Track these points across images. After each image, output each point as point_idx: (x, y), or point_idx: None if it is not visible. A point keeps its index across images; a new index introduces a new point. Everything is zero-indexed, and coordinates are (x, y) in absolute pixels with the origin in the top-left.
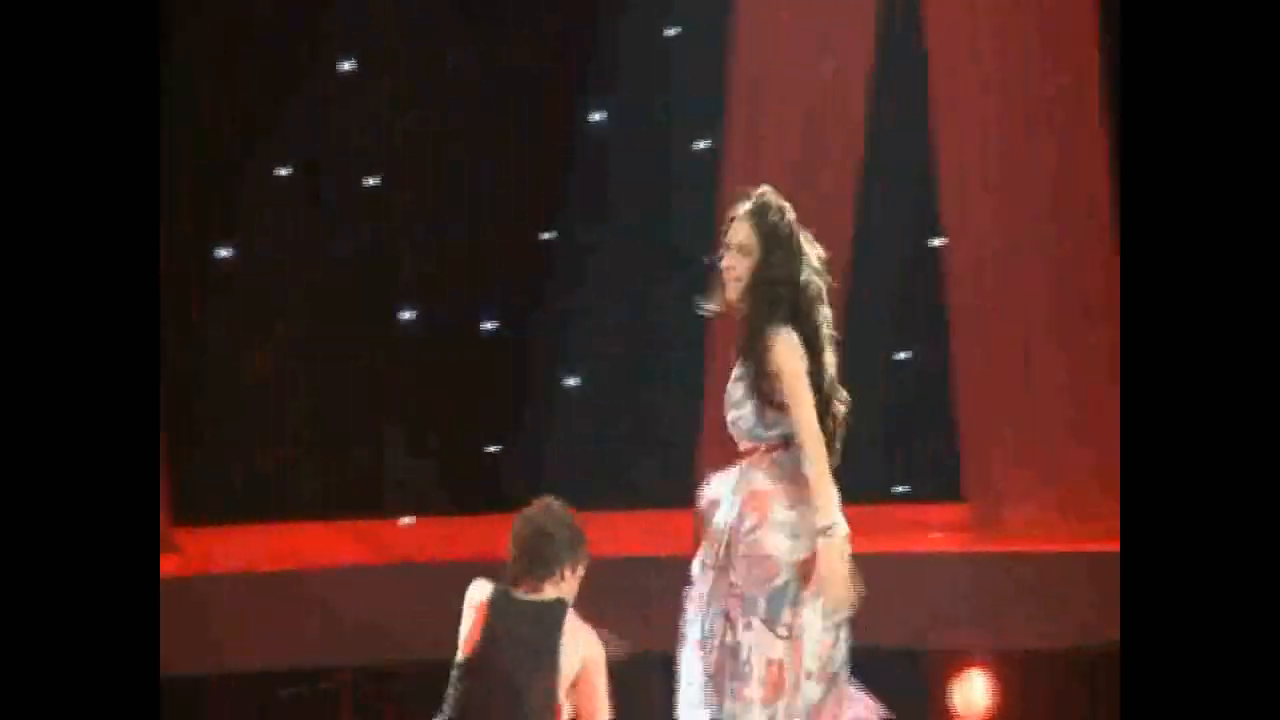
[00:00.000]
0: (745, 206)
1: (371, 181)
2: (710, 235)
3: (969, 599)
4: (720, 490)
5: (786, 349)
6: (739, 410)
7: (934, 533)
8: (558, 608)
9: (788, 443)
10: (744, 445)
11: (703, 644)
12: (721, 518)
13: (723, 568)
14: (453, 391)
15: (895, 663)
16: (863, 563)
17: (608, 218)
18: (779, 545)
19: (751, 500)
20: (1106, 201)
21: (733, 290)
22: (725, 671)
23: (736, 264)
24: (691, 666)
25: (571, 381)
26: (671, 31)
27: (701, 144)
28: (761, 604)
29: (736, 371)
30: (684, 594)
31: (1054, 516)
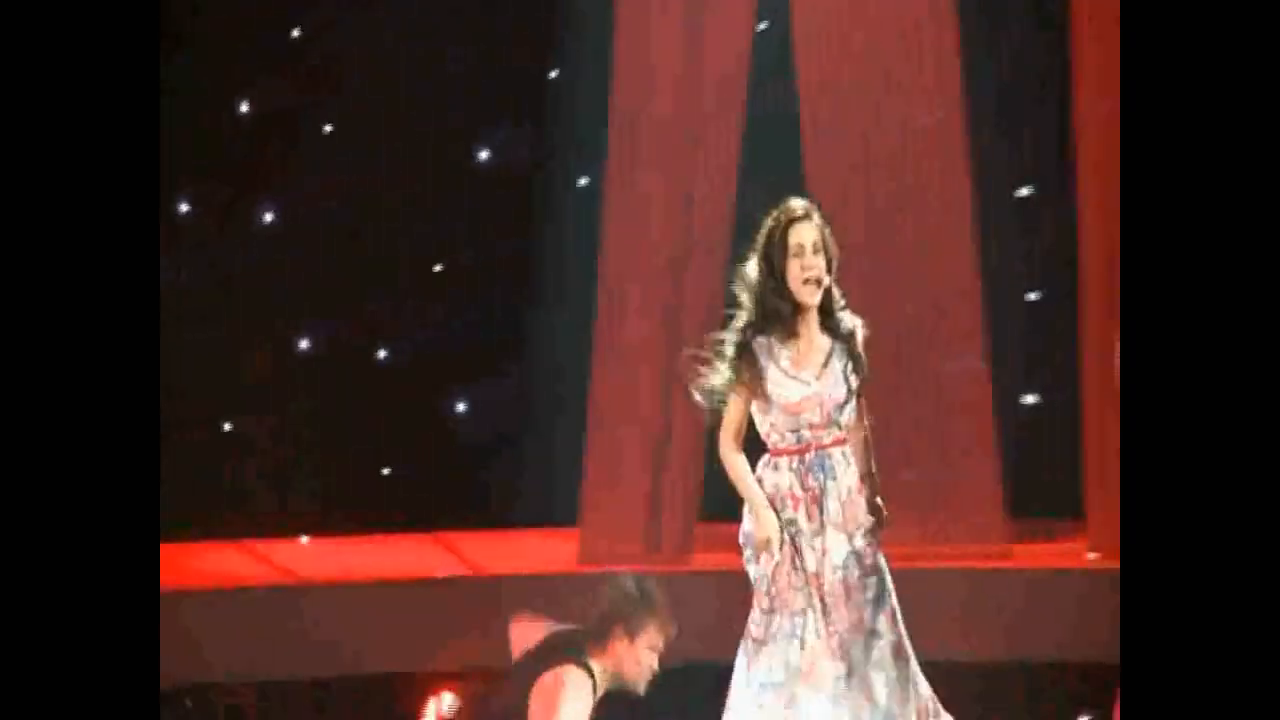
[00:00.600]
0: (803, 210)
1: (269, 218)
2: (591, 267)
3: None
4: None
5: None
6: (846, 400)
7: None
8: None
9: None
10: (833, 435)
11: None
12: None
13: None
14: (348, 416)
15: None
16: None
17: (496, 250)
18: None
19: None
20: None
21: (816, 294)
22: None
23: (817, 265)
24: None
25: (460, 407)
26: (554, 74)
27: (583, 180)
28: None
29: (837, 365)
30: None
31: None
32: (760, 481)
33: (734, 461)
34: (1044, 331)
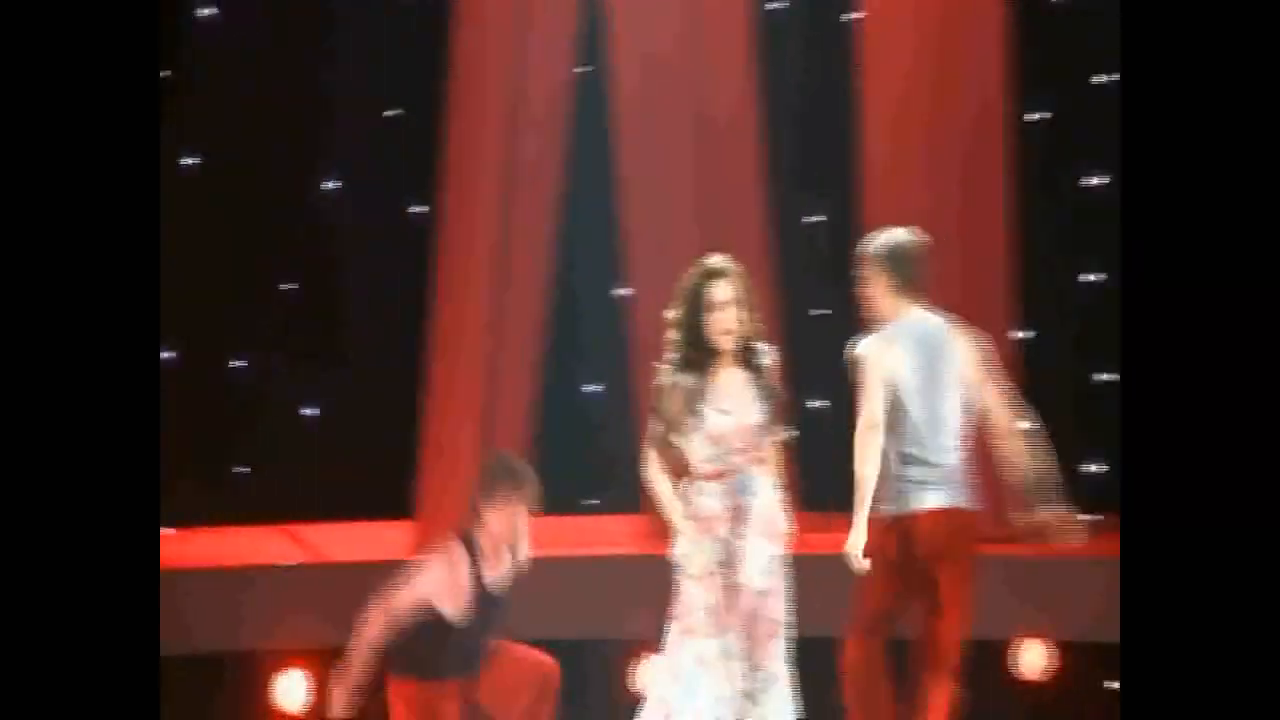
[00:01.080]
0: (720, 267)
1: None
2: (423, 293)
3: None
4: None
5: None
6: (763, 426)
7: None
8: None
9: None
10: (753, 458)
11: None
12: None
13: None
14: (206, 419)
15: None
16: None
17: (340, 270)
18: None
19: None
20: None
21: (731, 341)
22: None
23: (731, 317)
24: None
25: (309, 411)
26: (391, 112)
27: (417, 208)
28: None
29: (753, 396)
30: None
31: None
32: (689, 504)
33: (659, 490)
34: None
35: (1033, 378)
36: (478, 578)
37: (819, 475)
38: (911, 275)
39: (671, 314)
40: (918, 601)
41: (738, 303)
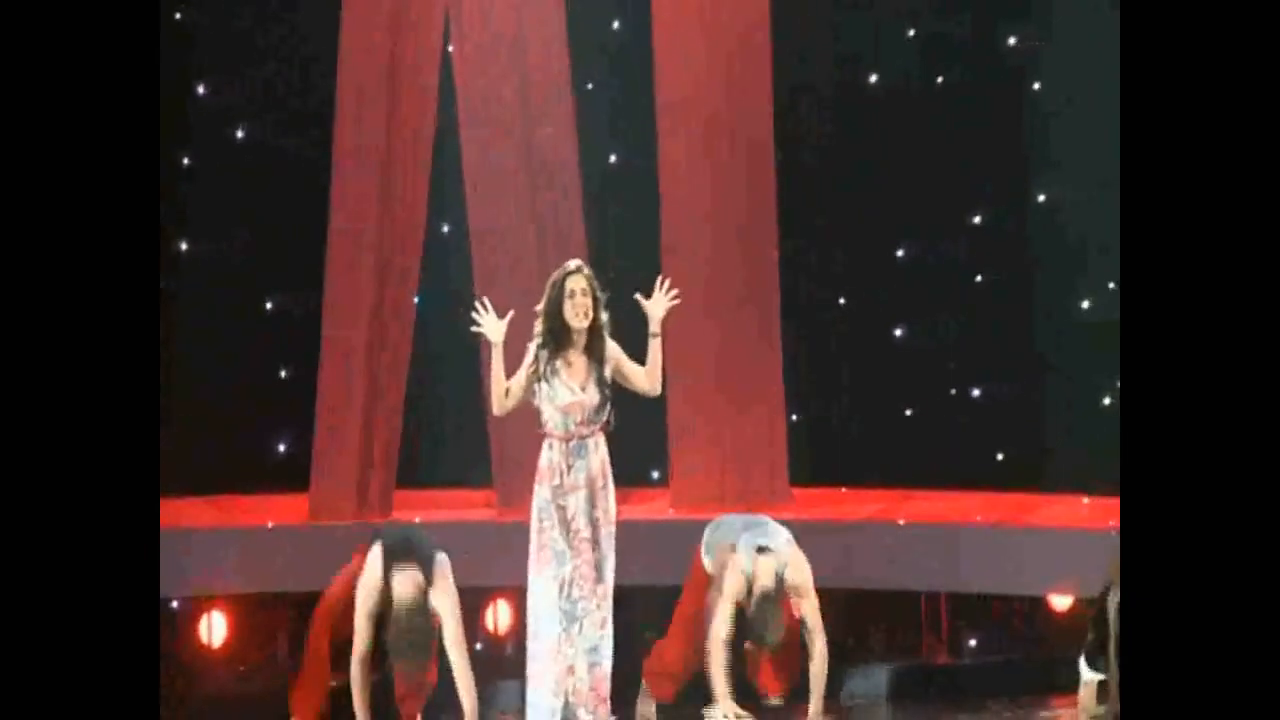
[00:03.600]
0: (575, 267)
1: None
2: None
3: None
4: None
5: None
6: (600, 406)
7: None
8: None
9: None
10: (590, 429)
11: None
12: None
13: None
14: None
15: None
16: None
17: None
18: None
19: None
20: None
21: (584, 323)
22: None
23: (585, 304)
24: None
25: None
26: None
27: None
28: None
29: (595, 380)
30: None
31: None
32: (541, 456)
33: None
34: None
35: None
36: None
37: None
38: None
39: (540, 305)
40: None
41: (590, 294)
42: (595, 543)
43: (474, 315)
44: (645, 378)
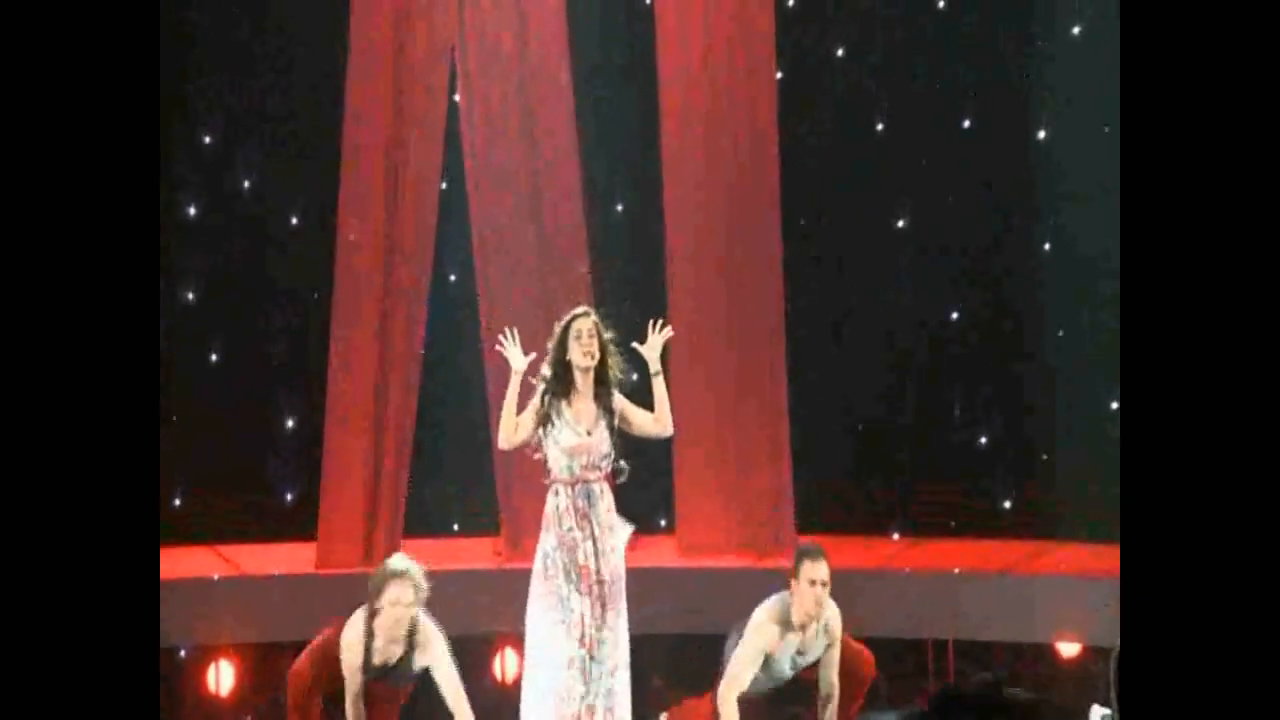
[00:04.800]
0: (583, 311)
1: None
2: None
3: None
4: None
5: None
6: (608, 453)
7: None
8: None
9: None
10: (596, 475)
11: None
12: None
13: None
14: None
15: None
16: None
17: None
18: None
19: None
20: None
21: (591, 363)
22: None
23: (591, 346)
24: None
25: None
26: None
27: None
28: None
29: (603, 426)
30: None
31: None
32: (547, 503)
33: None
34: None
35: None
36: (369, 657)
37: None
38: None
39: (549, 348)
40: None
41: (597, 338)
42: (605, 583)
43: (500, 340)
44: (654, 422)
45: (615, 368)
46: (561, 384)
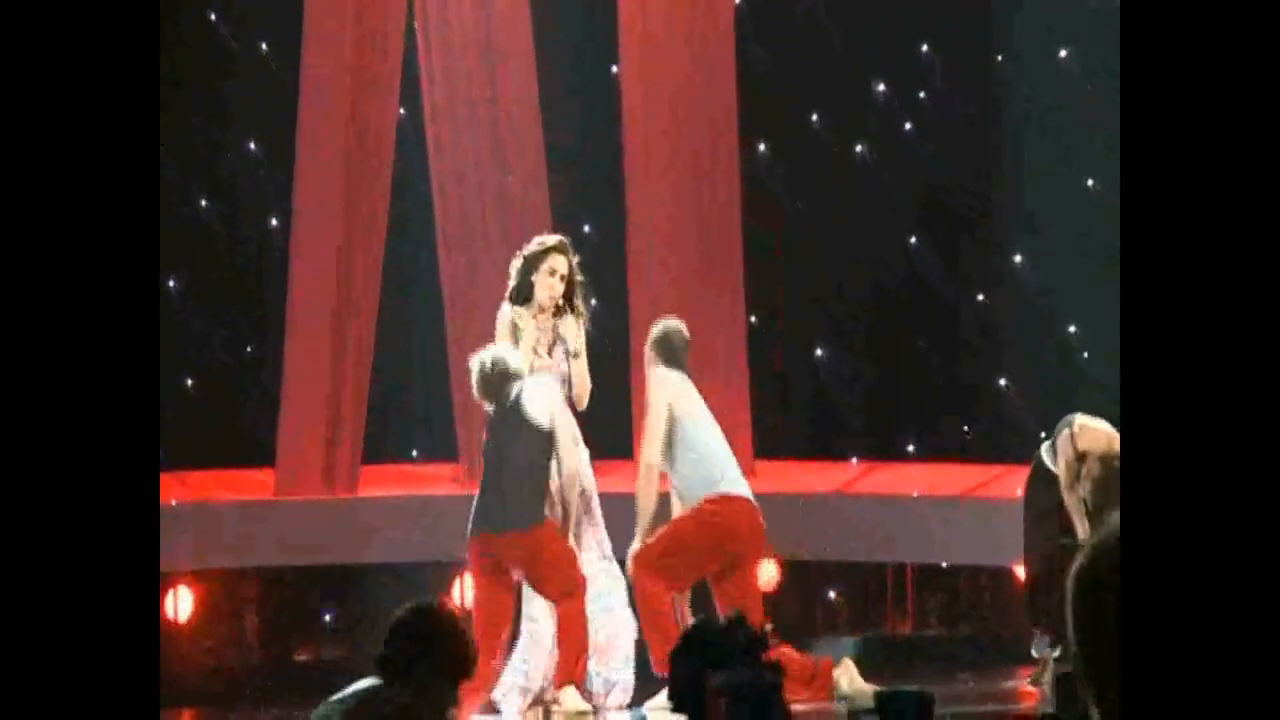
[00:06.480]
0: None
1: None
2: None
3: None
4: None
5: None
6: (564, 377)
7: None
8: None
9: None
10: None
11: None
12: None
13: None
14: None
15: None
16: None
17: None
18: None
19: None
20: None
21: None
22: None
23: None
24: None
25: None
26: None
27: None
28: None
29: (560, 350)
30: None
31: None
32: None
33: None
34: None
35: None
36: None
37: None
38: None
39: (514, 266)
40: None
41: (564, 280)
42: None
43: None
44: (576, 399)
45: (577, 320)
46: (524, 302)
